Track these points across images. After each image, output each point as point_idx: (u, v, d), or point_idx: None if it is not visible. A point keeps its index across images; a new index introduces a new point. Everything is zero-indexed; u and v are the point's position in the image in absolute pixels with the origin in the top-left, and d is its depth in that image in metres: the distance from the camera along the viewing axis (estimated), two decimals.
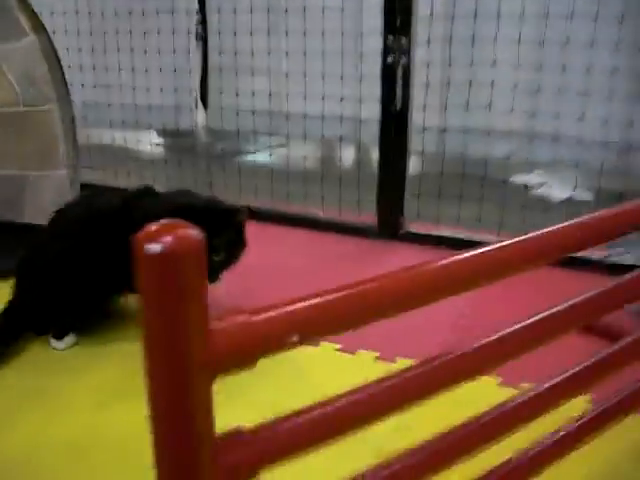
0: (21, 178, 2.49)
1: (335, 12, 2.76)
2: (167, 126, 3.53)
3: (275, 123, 3.14)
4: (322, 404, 0.70)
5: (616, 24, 2.38)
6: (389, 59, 2.35)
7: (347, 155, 3.41)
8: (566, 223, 0.87)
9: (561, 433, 1.06)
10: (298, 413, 0.69)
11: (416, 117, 2.48)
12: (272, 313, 0.62)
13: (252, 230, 1.80)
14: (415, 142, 2.54)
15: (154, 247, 0.52)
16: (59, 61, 2.41)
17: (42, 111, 2.40)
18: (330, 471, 0.86)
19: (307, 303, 0.64)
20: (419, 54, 2.42)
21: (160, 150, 3.75)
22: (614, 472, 1.30)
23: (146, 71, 3.30)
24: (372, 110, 2.52)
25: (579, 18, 2.41)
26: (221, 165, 3.27)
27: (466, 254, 0.76)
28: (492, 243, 0.79)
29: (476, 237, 2.28)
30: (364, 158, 2.92)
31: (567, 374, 1.01)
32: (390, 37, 2.32)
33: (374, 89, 2.47)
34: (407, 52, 2.34)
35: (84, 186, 2.54)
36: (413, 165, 2.62)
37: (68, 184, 2.48)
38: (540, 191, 2.94)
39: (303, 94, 2.87)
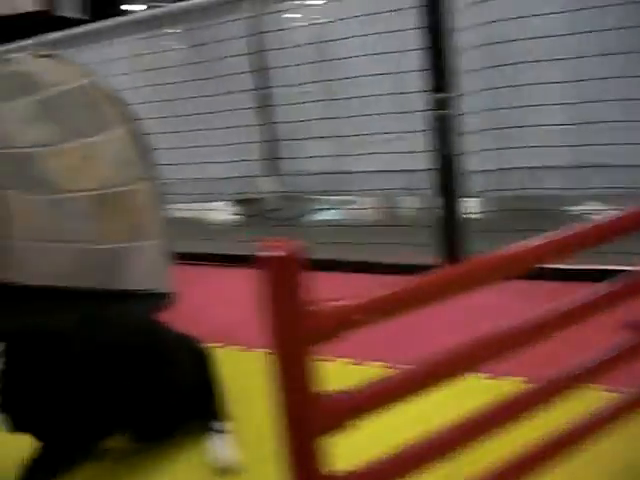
0: (118, 250, 2.81)
1: (382, 78, 3.05)
2: (239, 195, 3.83)
3: (338, 182, 3.40)
4: None
5: None
6: (438, 112, 2.60)
7: (408, 204, 3.66)
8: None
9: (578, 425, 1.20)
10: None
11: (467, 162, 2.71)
12: (344, 302, 0.91)
13: (320, 278, 1.99)
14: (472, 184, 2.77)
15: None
16: (147, 145, 2.74)
17: (134, 190, 2.73)
18: None
19: (362, 300, 0.93)
20: (465, 104, 2.66)
21: (234, 217, 4.08)
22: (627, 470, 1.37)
23: (218, 146, 3.62)
24: (424, 162, 2.77)
25: None
26: (291, 225, 3.56)
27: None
28: None
29: None
30: (424, 206, 3.13)
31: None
32: (436, 94, 2.59)
33: (422, 144, 2.72)
34: (453, 104, 2.58)
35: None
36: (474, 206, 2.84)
37: (158, 253, 2.79)
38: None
39: (362, 154, 3.15)
